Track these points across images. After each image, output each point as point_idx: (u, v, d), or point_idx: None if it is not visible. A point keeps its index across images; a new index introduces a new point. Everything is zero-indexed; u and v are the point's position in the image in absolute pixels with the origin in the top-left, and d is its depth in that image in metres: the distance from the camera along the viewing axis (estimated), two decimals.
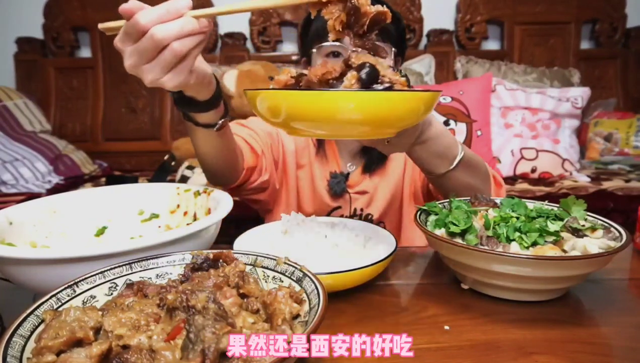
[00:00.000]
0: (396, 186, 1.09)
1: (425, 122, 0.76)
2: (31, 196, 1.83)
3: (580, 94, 2.30)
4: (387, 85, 0.53)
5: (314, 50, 0.98)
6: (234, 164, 0.88)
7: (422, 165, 0.82)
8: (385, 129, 0.57)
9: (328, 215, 1.06)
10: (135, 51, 0.56)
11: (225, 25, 2.69)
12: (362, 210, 1.08)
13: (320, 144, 1.10)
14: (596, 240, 0.60)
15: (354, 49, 0.58)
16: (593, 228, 0.64)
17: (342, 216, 1.05)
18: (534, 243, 0.60)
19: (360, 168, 1.09)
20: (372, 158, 1.07)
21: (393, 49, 0.98)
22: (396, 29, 1.00)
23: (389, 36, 0.98)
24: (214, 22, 2.66)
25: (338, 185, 1.06)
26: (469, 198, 0.77)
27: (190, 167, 2.07)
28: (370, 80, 0.53)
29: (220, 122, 0.74)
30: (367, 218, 1.08)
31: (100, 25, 0.60)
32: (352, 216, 1.08)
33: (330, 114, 0.51)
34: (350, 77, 0.52)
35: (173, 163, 2.23)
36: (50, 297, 0.44)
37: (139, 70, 0.57)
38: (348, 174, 1.08)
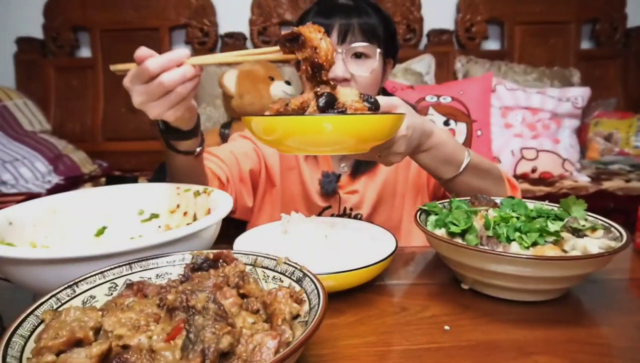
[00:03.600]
0: (385, 186, 1.10)
1: (425, 133, 0.80)
2: (31, 196, 1.83)
3: (580, 93, 2.30)
4: (341, 110, 0.63)
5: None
6: None
7: (430, 170, 0.87)
8: (354, 145, 0.65)
9: (319, 215, 1.07)
10: (144, 91, 0.64)
11: (226, 25, 2.69)
12: (351, 209, 1.10)
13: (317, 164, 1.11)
14: (596, 240, 0.60)
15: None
16: (593, 229, 0.64)
17: (332, 215, 1.06)
18: (534, 244, 0.60)
19: (350, 169, 1.11)
20: (360, 160, 1.09)
21: (378, 50, 1.00)
22: (385, 30, 1.02)
23: (377, 38, 1.00)
24: (214, 22, 2.67)
25: (329, 185, 1.07)
26: (468, 198, 0.77)
27: None
28: (326, 107, 0.63)
29: (198, 149, 0.81)
30: (356, 218, 1.09)
31: (112, 67, 0.68)
32: (341, 215, 1.09)
33: (302, 134, 0.61)
34: (313, 103, 0.64)
35: None
36: (50, 297, 0.44)
37: (146, 107, 0.66)
38: (339, 175, 1.09)
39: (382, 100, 0.74)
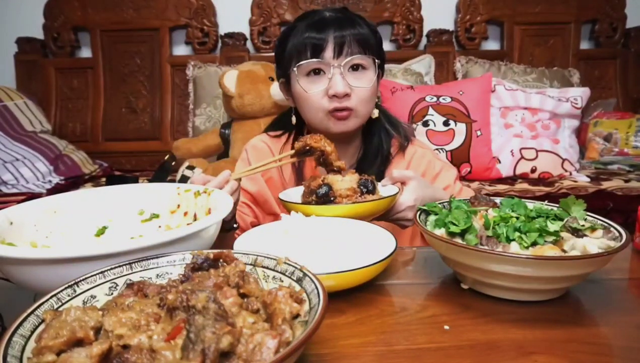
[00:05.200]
0: None
1: (433, 201, 0.96)
2: (32, 196, 1.84)
3: (579, 94, 2.30)
4: (331, 199, 0.85)
5: (294, 69, 0.99)
6: None
7: None
8: (356, 217, 0.86)
9: None
10: None
11: (226, 26, 2.69)
12: None
13: (298, 172, 1.11)
14: (596, 240, 0.61)
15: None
16: (593, 228, 0.64)
17: None
18: (534, 243, 0.60)
19: None
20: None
21: (376, 61, 1.00)
22: (375, 41, 1.02)
23: (371, 49, 1.00)
24: (214, 23, 2.67)
25: None
26: (468, 198, 0.77)
27: (190, 167, 2.07)
28: (322, 197, 0.84)
29: (235, 225, 0.97)
30: None
31: None
32: None
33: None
34: (314, 195, 0.86)
35: (173, 163, 2.23)
36: (51, 297, 0.44)
37: None
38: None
39: (396, 173, 0.93)
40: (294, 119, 1.12)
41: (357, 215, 0.83)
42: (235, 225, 0.97)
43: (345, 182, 0.86)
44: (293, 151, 0.95)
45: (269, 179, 1.12)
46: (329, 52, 0.97)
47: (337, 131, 1.01)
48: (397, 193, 0.89)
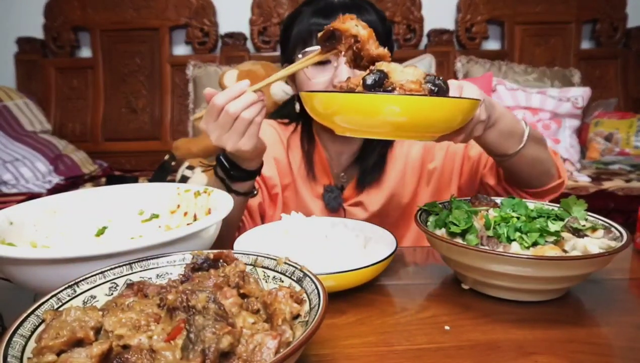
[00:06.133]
0: (392, 195, 1.06)
1: (489, 106, 0.74)
2: (31, 196, 1.84)
3: (580, 93, 2.30)
4: (388, 89, 0.57)
5: (300, 55, 0.95)
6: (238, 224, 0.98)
7: (495, 147, 0.80)
8: (408, 131, 0.59)
9: None
10: (217, 126, 0.72)
11: (226, 25, 2.69)
12: None
13: (308, 163, 1.07)
14: (596, 240, 0.61)
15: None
16: (593, 229, 0.64)
17: None
18: (535, 244, 0.60)
19: (354, 181, 1.06)
20: (366, 170, 1.04)
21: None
22: (383, 29, 0.97)
23: (378, 37, 0.96)
24: (214, 22, 2.67)
25: (335, 200, 1.03)
26: (469, 198, 0.77)
27: (190, 167, 2.07)
28: (372, 85, 0.57)
29: (255, 191, 0.90)
30: None
31: (192, 118, 0.87)
32: None
33: (344, 111, 0.58)
34: (355, 80, 0.60)
35: (173, 163, 2.23)
36: (51, 297, 0.44)
37: (222, 140, 0.73)
38: (342, 186, 1.06)
39: (453, 82, 0.67)
40: (297, 107, 1.06)
41: (433, 118, 0.56)
42: (255, 191, 0.90)
43: (406, 73, 0.58)
44: (318, 48, 0.73)
45: (276, 160, 1.07)
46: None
47: None
48: (478, 100, 0.62)
